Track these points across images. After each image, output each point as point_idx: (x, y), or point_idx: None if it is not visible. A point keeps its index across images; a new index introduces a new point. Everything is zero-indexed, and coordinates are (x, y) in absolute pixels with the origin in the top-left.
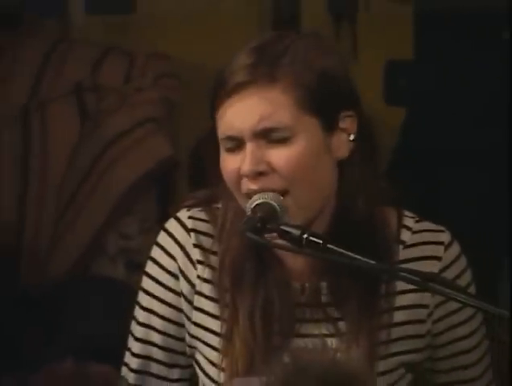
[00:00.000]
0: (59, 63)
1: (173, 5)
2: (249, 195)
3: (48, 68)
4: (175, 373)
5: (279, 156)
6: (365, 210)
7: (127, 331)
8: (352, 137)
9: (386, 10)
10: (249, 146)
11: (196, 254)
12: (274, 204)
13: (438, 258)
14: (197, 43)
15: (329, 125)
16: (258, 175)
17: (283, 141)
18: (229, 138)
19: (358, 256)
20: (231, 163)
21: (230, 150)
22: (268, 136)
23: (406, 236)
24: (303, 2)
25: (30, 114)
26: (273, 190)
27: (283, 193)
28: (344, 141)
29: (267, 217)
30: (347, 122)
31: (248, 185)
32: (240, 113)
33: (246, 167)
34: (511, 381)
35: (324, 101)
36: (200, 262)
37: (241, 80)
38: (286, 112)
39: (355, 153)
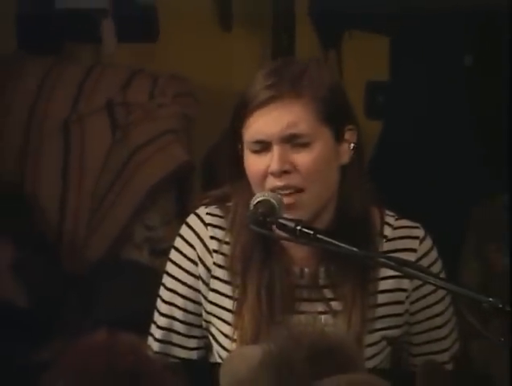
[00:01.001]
0: (94, 84)
1: (189, 36)
2: (273, 190)
3: (85, 88)
4: (193, 343)
5: (302, 158)
6: (360, 207)
7: (151, 306)
8: (352, 146)
9: (365, 40)
10: (277, 149)
11: (212, 244)
12: (273, 201)
13: (414, 250)
14: (209, 67)
15: (338, 136)
16: (282, 173)
17: (305, 145)
18: (258, 142)
19: (344, 245)
20: (258, 163)
21: (257, 152)
22: (292, 141)
23: (387, 231)
24: (298, 35)
25: (70, 126)
26: (294, 187)
27: (300, 190)
28: (346, 149)
29: (267, 212)
30: (349, 134)
31: (274, 182)
32: (269, 122)
33: (275, 166)
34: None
35: (335, 115)
36: (215, 251)
37: (269, 96)
38: (308, 122)
39: (353, 158)
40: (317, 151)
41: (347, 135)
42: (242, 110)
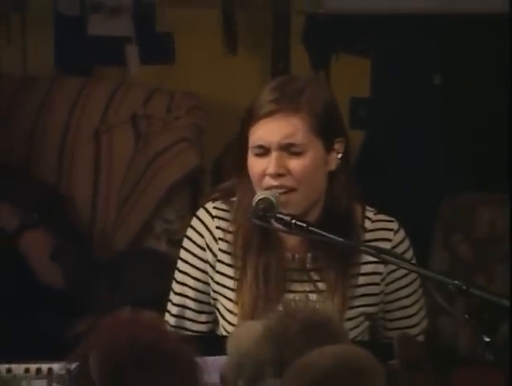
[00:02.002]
0: (120, 99)
1: (201, 59)
2: (269, 188)
3: (113, 103)
4: (203, 317)
5: (295, 164)
6: (344, 205)
7: (167, 287)
8: (339, 156)
9: (349, 62)
10: (274, 154)
11: (218, 233)
12: (272, 199)
13: (389, 240)
14: (217, 85)
15: (328, 147)
16: (278, 176)
17: (298, 154)
18: (260, 147)
19: (331, 235)
20: (258, 165)
21: (258, 156)
22: (288, 149)
23: (367, 224)
24: (292, 57)
25: (100, 135)
26: (287, 188)
27: (293, 190)
28: (334, 158)
29: (267, 208)
30: (338, 145)
31: (270, 181)
32: (270, 130)
33: (271, 169)
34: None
35: (327, 128)
36: (220, 239)
37: (272, 109)
38: (303, 134)
39: (340, 166)
40: (309, 159)
41: (336, 146)
42: (249, 118)
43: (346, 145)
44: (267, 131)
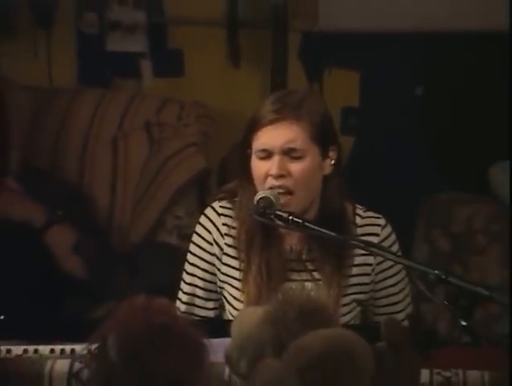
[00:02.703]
0: (135, 109)
1: (208, 73)
2: (271, 188)
3: (129, 112)
4: (210, 304)
5: (295, 167)
6: (338, 204)
7: (178, 277)
8: (333, 162)
9: (340, 76)
10: (277, 158)
11: (224, 229)
12: (272, 198)
13: (377, 234)
14: (223, 96)
15: (323, 154)
16: (279, 176)
17: (298, 158)
18: (263, 151)
19: (324, 230)
20: (262, 167)
21: (262, 159)
22: (289, 153)
23: (358, 220)
24: (290, 71)
25: (117, 141)
26: (286, 188)
27: (292, 192)
28: (329, 164)
29: (267, 206)
30: (332, 153)
31: (272, 182)
32: (273, 137)
33: (274, 170)
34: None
35: (323, 137)
36: (226, 234)
37: (275, 117)
38: (302, 141)
39: (333, 171)
40: (307, 163)
41: (330, 153)
42: (253, 126)
43: (339, 152)
44: (271, 137)
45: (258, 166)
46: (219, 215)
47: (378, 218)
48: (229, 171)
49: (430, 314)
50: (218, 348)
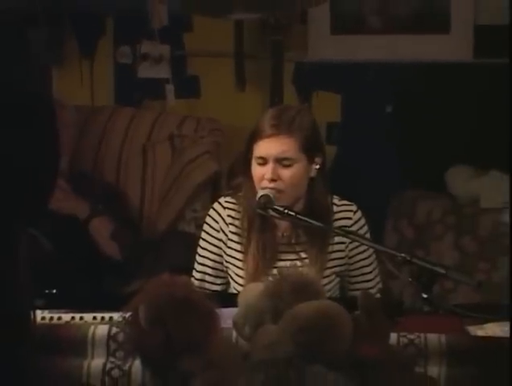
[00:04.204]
0: (161, 124)
1: (219, 94)
2: (265, 188)
3: (156, 126)
4: (218, 281)
5: (285, 173)
6: (321, 199)
7: (193, 259)
8: (318, 166)
9: (326, 97)
10: (271, 164)
11: (228, 220)
12: (271, 195)
13: (350, 218)
14: (231, 113)
15: (310, 161)
16: (272, 180)
17: (289, 166)
18: (261, 158)
19: (310, 220)
20: (260, 171)
21: (260, 164)
22: (281, 161)
23: (334, 208)
24: (285, 93)
25: (147, 150)
26: (277, 189)
27: (282, 191)
28: (314, 168)
29: (266, 202)
30: (318, 160)
31: (266, 184)
32: (270, 147)
33: (268, 175)
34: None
35: (311, 148)
36: (230, 224)
37: (272, 132)
38: (293, 151)
39: (317, 174)
40: (295, 170)
41: (316, 159)
42: (254, 137)
43: (323, 159)
44: (267, 147)
45: (257, 170)
46: (224, 208)
47: (351, 205)
48: (235, 174)
49: (397, 289)
50: (227, 316)
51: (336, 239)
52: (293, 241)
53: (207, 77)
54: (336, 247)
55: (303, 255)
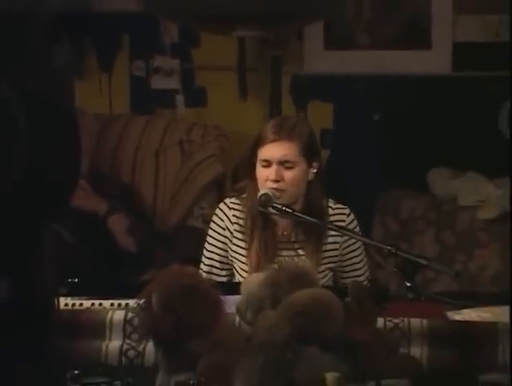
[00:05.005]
0: (172, 130)
1: (224, 104)
2: (269, 188)
3: (167, 132)
4: (224, 272)
5: (287, 174)
6: (317, 200)
7: (202, 251)
8: (315, 170)
9: (320, 106)
10: (274, 167)
11: (233, 219)
12: (271, 194)
13: (343, 221)
14: (234, 121)
15: (309, 165)
16: (276, 181)
17: (290, 168)
18: (266, 161)
19: (306, 217)
20: (264, 173)
21: (264, 167)
22: (284, 164)
23: (330, 211)
24: (283, 103)
25: (159, 154)
26: (280, 189)
27: (284, 191)
28: (312, 172)
29: (267, 200)
30: (315, 164)
31: (270, 184)
32: (273, 151)
33: (272, 176)
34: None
35: (309, 153)
36: (235, 223)
37: (275, 138)
38: (294, 155)
39: (315, 177)
40: (296, 172)
41: (314, 164)
42: (259, 143)
43: (320, 164)
44: (271, 151)
45: (261, 172)
46: (230, 208)
47: (344, 208)
48: (239, 175)
49: (384, 278)
50: (231, 303)
51: (331, 239)
52: (292, 239)
53: (213, 88)
54: (331, 246)
55: (300, 252)
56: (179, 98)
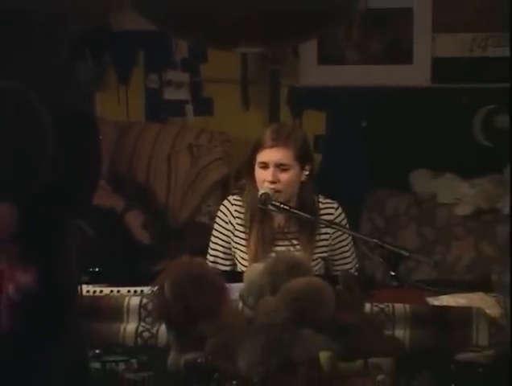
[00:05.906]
0: (182, 136)
1: (228, 113)
2: (265, 189)
3: (178, 138)
4: (227, 262)
5: (283, 176)
6: (309, 198)
7: (208, 243)
8: (307, 172)
9: (314, 114)
10: (271, 169)
11: (235, 214)
12: (270, 193)
13: (332, 214)
14: (238, 128)
15: (302, 168)
16: (272, 182)
17: (285, 170)
18: (263, 163)
19: (301, 213)
20: (262, 174)
21: (262, 169)
22: (280, 167)
23: (319, 205)
24: (281, 112)
25: (171, 157)
26: (276, 189)
27: (280, 191)
28: (304, 174)
29: (266, 198)
30: (307, 167)
31: (267, 185)
32: (271, 155)
33: (269, 178)
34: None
35: (303, 157)
36: (237, 217)
37: (272, 144)
38: (289, 159)
39: (307, 179)
40: (291, 174)
41: (306, 167)
42: (258, 147)
43: (312, 167)
44: (269, 155)
45: (260, 173)
46: (232, 204)
47: (333, 203)
48: (241, 177)
49: (370, 268)
50: (234, 290)
51: (322, 230)
52: (286, 231)
53: (219, 99)
54: (322, 237)
55: (294, 242)
56: (189, 108)
